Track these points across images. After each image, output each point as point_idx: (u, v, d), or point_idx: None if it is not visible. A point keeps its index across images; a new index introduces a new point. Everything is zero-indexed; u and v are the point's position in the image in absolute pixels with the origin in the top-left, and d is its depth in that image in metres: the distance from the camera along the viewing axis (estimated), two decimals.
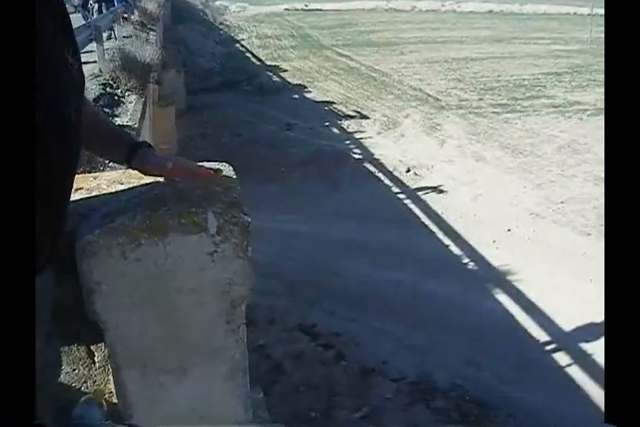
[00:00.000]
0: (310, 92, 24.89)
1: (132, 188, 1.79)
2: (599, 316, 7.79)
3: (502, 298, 10.19)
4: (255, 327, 9.57)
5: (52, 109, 1.33)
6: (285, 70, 28.90)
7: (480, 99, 22.75)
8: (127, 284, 1.65)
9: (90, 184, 1.87)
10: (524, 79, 25.29)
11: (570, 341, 8.88)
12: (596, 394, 7.49)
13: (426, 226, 13.09)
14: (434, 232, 12.80)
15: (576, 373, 8.22)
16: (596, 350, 8.23)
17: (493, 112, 20.96)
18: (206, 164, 2.02)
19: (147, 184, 1.80)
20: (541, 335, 9.17)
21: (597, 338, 8.29)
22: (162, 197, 1.72)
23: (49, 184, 1.33)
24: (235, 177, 1.95)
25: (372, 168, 16.37)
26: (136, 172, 1.79)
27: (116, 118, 7.00)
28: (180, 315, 1.72)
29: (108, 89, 8.15)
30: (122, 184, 1.83)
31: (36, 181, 1.18)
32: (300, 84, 25.99)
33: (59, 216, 1.45)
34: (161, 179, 1.79)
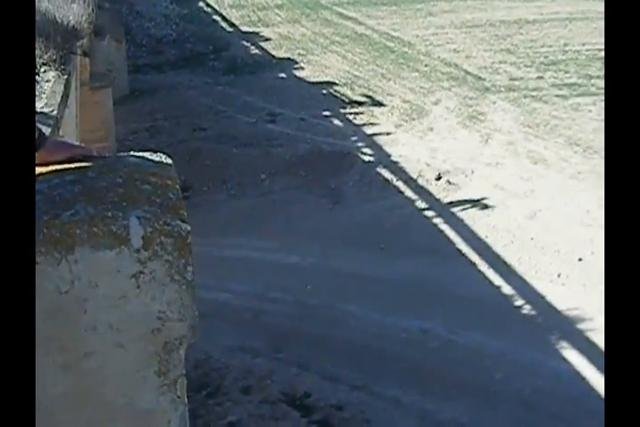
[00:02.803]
0: (302, 69, 25.01)
1: None
2: None
3: (570, 355, 10.17)
4: (225, 398, 9.55)
5: None
6: (268, 39, 29.06)
7: (539, 77, 22.86)
8: None
9: None
10: (600, 49, 25.34)
11: None
12: None
13: (463, 255, 13.08)
14: (475, 263, 12.79)
15: None
16: None
17: (558, 95, 21.04)
18: (135, 153, 2.05)
19: (47, 180, 1.80)
20: None
21: None
22: (67, 197, 1.71)
23: None
24: (174, 171, 1.96)
25: (387, 175, 16.38)
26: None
27: None
28: (94, 362, 1.71)
29: None
30: None
31: None
32: (288, 59, 26.12)
33: None
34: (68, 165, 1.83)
